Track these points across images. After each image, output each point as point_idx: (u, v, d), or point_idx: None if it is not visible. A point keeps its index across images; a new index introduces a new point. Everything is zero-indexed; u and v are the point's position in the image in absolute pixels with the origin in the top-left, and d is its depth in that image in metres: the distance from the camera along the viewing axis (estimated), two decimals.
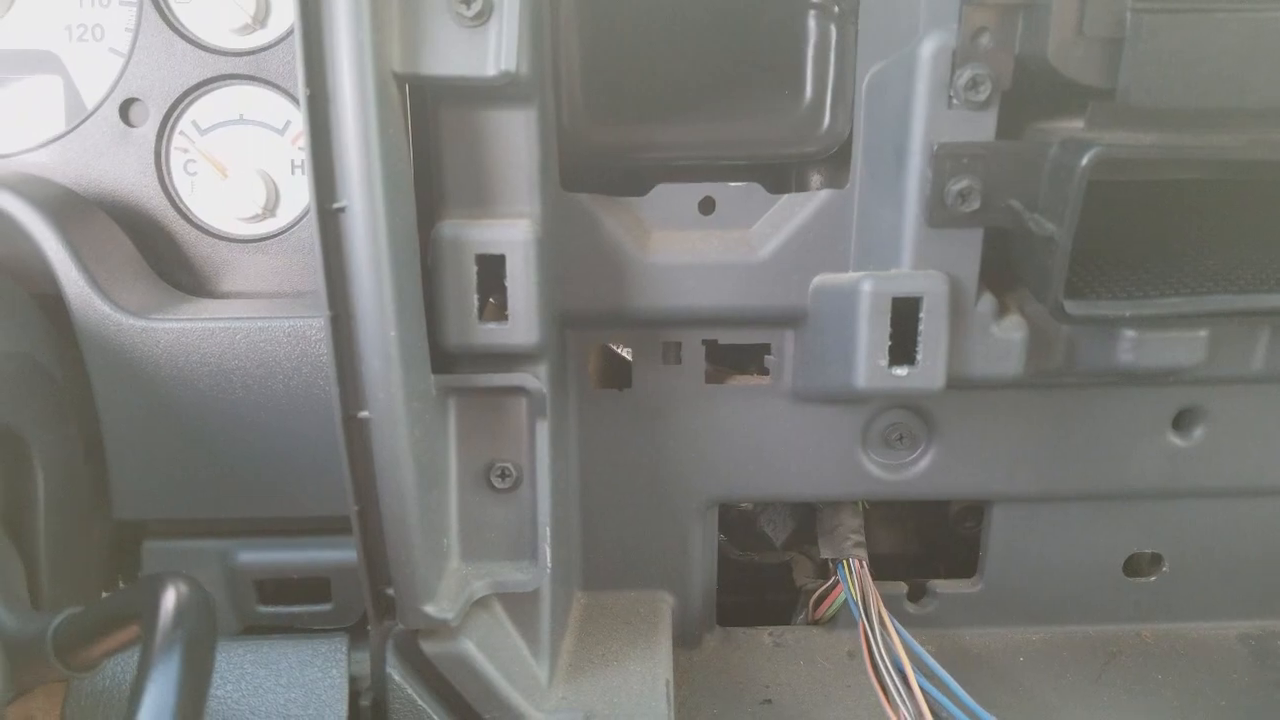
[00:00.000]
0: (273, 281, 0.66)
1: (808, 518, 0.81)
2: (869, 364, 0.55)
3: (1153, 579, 0.75)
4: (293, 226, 0.66)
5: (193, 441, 0.60)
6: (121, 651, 0.45)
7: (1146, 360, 0.58)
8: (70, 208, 0.61)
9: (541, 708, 0.58)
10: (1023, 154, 0.53)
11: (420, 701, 0.57)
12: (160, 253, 0.66)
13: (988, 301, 0.57)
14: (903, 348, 0.55)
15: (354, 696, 0.58)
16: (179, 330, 0.59)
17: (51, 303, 0.60)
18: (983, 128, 0.53)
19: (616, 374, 0.69)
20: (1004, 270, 0.58)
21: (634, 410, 0.68)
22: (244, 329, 0.59)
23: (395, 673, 0.57)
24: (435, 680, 0.57)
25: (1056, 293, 0.51)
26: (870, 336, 0.55)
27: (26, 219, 0.58)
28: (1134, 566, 0.75)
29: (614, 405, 0.68)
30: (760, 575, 0.84)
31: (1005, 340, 0.58)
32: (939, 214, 0.54)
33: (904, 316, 0.55)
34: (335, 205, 0.47)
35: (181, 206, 0.66)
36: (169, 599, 0.41)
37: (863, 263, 0.59)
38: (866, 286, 0.55)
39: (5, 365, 0.55)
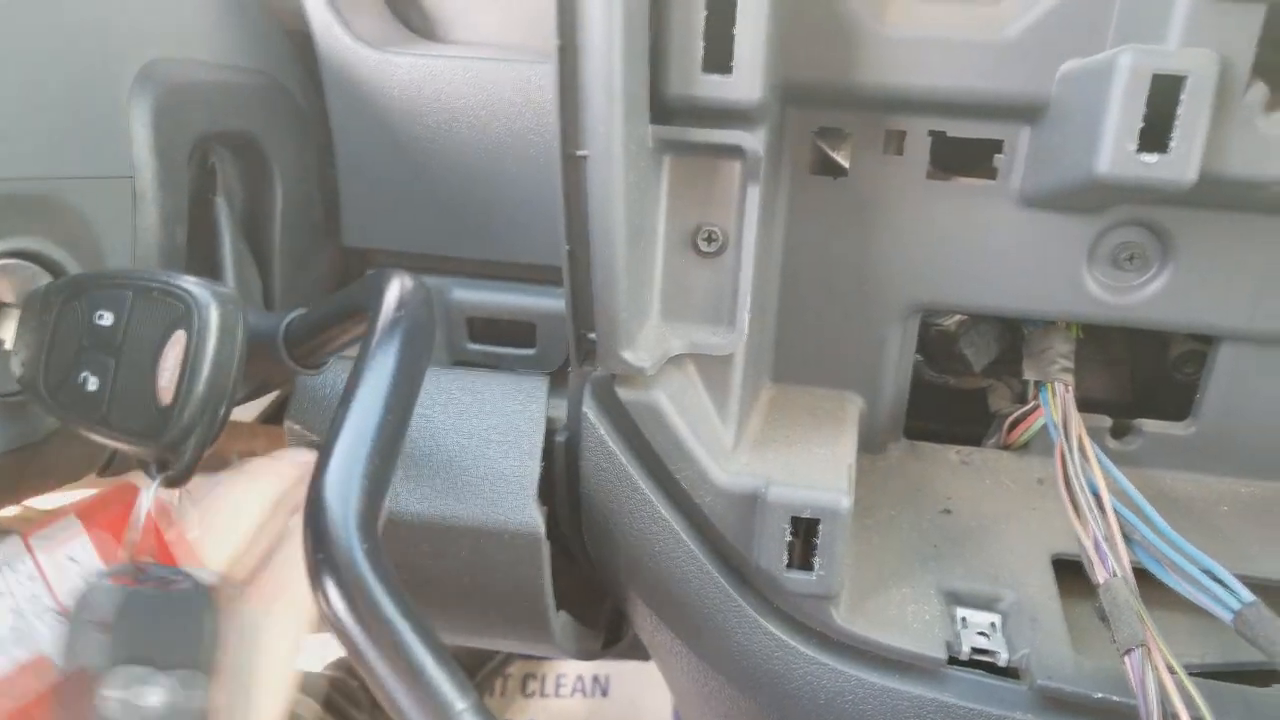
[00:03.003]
0: (499, 33, 0.67)
1: (1012, 344, 0.78)
2: (1116, 147, 0.51)
3: None
4: None
5: (419, 177, 0.63)
6: (346, 345, 0.48)
7: None
8: None
9: (725, 469, 0.59)
10: None
11: (611, 443, 0.59)
12: None
13: (1258, 91, 0.52)
14: (1155, 133, 0.51)
15: (550, 433, 0.61)
16: (412, 65, 0.61)
17: (300, 38, 0.63)
18: None
19: (831, 165, 0.67)
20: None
21: (846, 200, 0.66)
22: (473, 69, 0.60)
23: (590, 412, 0.59)
24: (627, 426, 0.59)
25: None
26: (1121, 115, 0.51)
27: None
28: None
29: (825, 193, 0.66)
30: (954, 399, 0.82)
31: (1272, 136, 0.52)
32: None
33: (1162, 99, 0.50)
34: None
35: None
36: (393, 287, 0.43)
37: (1122, 44, 0.54)
38: (1125, 59, 0.50)
39: (251, 80, 0.58)
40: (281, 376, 0.60)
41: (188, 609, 0.39)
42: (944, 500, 0.71)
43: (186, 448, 0.38)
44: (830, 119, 0.64)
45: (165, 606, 0.39)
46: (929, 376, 0.81)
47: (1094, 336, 0.74)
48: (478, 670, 1.54)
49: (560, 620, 0.67)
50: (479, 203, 0.63)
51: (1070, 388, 0.69)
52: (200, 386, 0.38)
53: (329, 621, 0.32)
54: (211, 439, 0.39)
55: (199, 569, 0.41)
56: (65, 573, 0.40)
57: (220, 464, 0.56)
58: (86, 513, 0.42)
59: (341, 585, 0.32)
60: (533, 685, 1.62)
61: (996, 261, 0.66)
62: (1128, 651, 0.50)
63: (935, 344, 0.81)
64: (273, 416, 1.01)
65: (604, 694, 1.62)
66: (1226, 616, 0.52)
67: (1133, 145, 0.51)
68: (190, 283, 0.40)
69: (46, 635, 0.39)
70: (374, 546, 0.33)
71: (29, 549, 0.40)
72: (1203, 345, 0.70)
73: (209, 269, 0.56)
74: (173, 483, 0.40)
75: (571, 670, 1.64)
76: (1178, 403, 0.72)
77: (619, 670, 1.64)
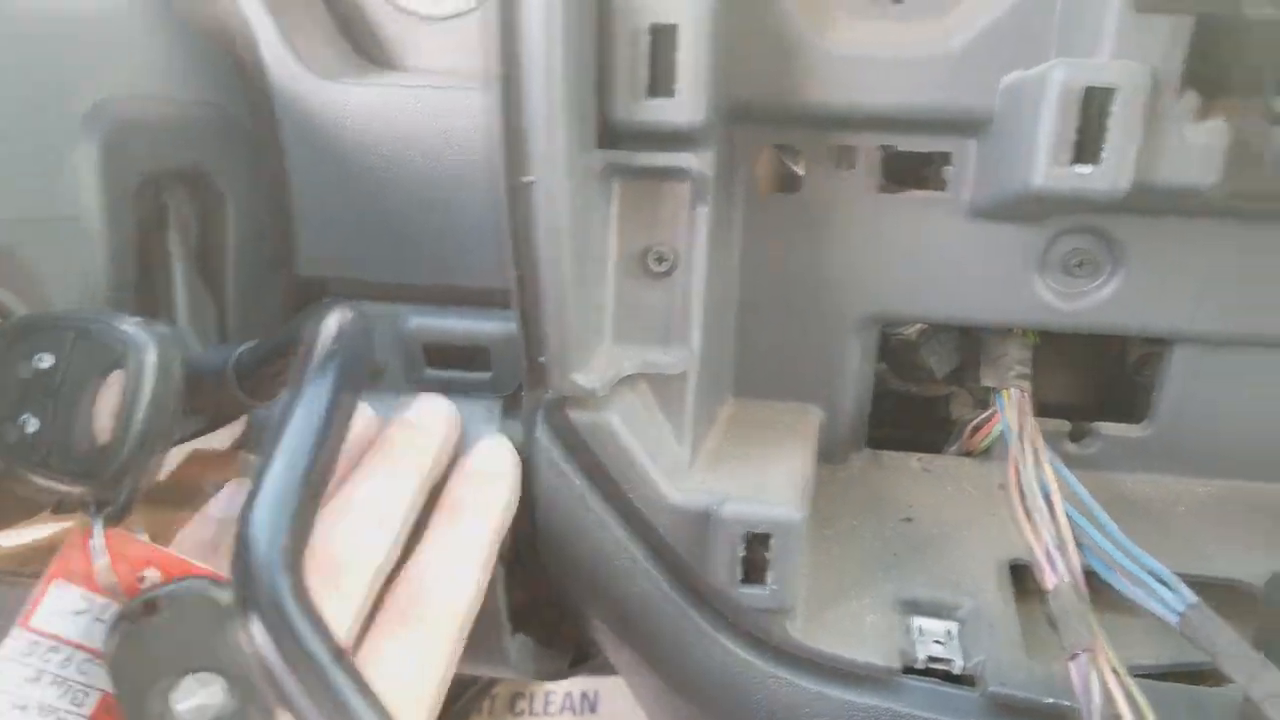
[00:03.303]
0: (455, 60, 0.68)
1: (973, 351, 0.79)
2: (1049, 160, 0.52)
3: None
4: (479, 5, 0.67)
5: (373, 205, 0.63)
6: None
7: None
8: None
9: (679, 487, 0.59)
10: None
11: (564, 465, 0.60)
12: (351, 24, 0.68)
13: (1189, 102, 0.52)
14: (1089, 145, 0.52)
15: None
16: (366, 95, 0.61)
17: (249, 69, 0.63)
18: None
19: (785, 181, 0.68)
20: (1211, 73, 0.53)
21: (800, 215, 0.66)
22: (426, 98, 0.61)
23: (543, 435, 0.60)
24: (580, 448, 0.59)
25: (1271, 89, 0.46)
26: (1055, 129, 0.51)
27: None
28: None
29: (779, 210, 0.67)
30: (917, 407, 0.83)
31: (1204, 145, 0.53)
32: None
33: (1095, 111, 0.51)
34: None
35: None
36: (330, 320, 0.44)
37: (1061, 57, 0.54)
38: (1058, 73, 0.51)
39: (202, 114, 0.59)
40: (235, 409, 0.60)
41: (210, 607, 0.38)
42: (905, 508, 0.72)
43: (124, 486, 0.39)
44: (780, 136, 0.65)
45: (189, 614, 0.38)
46: (894, 385, 0.81)
47: (1053, 342, 0.75)
48: (464, 690, 1.53)
49: (517, 643, 0.68)
50: (434, 229, 0.64)
51: (1027, 393, 0.70)
52: (137, 425, 0.38)
53: (253, 659, 0.33)
54: (150, 476, 0.40)
55: (191, 575, 0.41)
56: (78, 624, 0.41)
57: (195, 493, 0.56)
58: (59, 567, 0.42)
59: (266, 622, 0.33)
60: (521, 704, 1.62)
61: (950, 272, 0.66)
62: (1072, 656, 0.51)
63: (898, 353, 0.82)
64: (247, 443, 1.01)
65: (593, 710, 1.62)
66: (1172, 619, 0.53)
67: (1066, 157, 0.52)
68: (129, 323, 0.40)
69: (101, 682, 0.40)
70: (298, 581, 0.34)
71: (32, 630, 0.40)
72: (1159, 348, 0.71)
73: (161, 303, 0.56)
74: (112, 520, 0.40)
75: (560, 688, 1.64)
76: (1139, 405, 0.73)
77: (608, 687, 1.64)
